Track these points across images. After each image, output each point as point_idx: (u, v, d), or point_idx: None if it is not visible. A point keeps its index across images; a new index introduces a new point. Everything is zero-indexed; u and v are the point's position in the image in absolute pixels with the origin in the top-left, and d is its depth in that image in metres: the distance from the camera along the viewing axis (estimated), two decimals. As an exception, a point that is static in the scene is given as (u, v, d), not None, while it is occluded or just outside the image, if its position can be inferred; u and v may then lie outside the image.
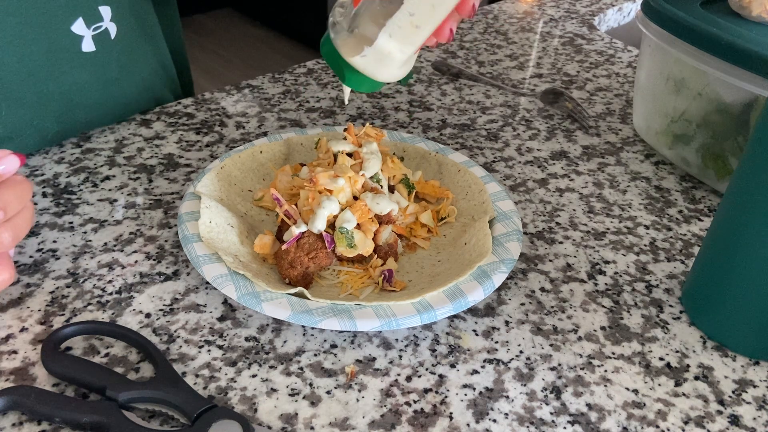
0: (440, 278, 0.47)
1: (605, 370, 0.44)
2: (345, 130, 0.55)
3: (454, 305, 0.44)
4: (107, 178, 0.58)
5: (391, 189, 0.54)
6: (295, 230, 0.47)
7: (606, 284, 0.51)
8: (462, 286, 0.45)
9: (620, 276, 0.52)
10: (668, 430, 0.40)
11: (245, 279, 0.44)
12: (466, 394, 0.41)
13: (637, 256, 0.54)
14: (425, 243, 0.52)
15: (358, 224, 0.48)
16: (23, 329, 0.43)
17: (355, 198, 0.50)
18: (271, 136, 0.61)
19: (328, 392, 0.41)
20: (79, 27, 0.58)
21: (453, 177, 0.58)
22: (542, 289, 0.50)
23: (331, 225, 0.48)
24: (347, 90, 0.48)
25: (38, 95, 0.58)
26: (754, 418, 0.42)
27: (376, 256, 0.50)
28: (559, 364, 0.44)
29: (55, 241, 0.50)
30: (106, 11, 0.60)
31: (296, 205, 0.50)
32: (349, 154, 0.53)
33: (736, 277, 0.45)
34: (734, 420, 0.41)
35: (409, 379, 0.42)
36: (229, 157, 0.56)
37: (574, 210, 0.59)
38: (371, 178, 0.52)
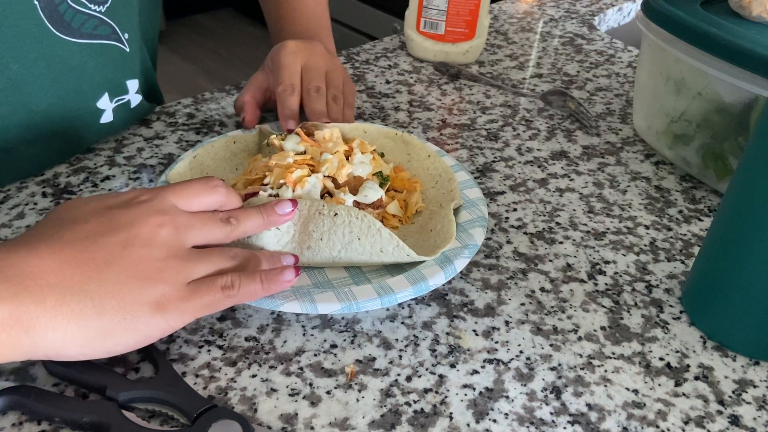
0: (405, 264, 0.49)
1: (605, 370, 0.44)
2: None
3: (415, 289, 0.45)
4: (107, 178, 0.58)
5: None
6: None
7: (606, 284, 0.51)
8: (423, 271, 0.46)
9: (620, 276, 0.52)
10: (668, 430, 0.40)
11: None
12: (466, 394, 0.41)
13: (637, 256, 0.54)
14: (394, 231, 0.53)
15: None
16: (23, 329, 0.43)
17: (330, 195, 0.51)
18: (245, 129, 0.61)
19: (328, 392, 0.41)
20: (103, 102, 0.59)
21: (422, 162, 0.58)
22: (542, 289, 0.50)
23: None
24: None
25: (46, 150, 0.58)
26: (754, 418, 0.42)
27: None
28: (559, 364, 0.44)
29: (55, 241, 0.50)
30: (133, 84, 0.61)
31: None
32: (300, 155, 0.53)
33: (736, 277, 0.45)
34: (734, 420, 0.41)
35: (409, 379, 0.42)
36: (203, 147, 0.57)
37: (574, 210, 0.59)
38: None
